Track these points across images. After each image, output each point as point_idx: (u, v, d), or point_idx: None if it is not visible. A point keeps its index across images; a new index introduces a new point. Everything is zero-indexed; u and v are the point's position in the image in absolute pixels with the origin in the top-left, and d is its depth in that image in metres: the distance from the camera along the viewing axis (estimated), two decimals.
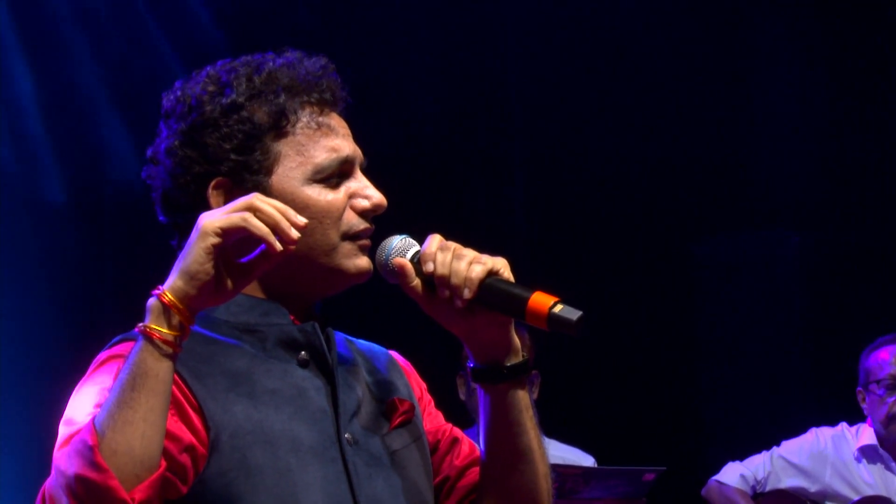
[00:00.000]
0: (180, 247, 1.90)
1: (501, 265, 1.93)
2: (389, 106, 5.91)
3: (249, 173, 1.92)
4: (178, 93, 1.97)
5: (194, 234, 1.76)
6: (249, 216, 1.75)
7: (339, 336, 2.04)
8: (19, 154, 5.47)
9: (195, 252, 1.74)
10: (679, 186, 6.49)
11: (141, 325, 1.74)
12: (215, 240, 1.74)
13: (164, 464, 1.72)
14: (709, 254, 6.52)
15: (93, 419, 1.71)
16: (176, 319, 1.74)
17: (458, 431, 2.12)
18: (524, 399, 2.00)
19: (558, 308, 1.88)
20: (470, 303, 1.91)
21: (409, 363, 2.14)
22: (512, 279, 1.93)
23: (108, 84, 5.59)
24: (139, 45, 5.67)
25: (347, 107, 2.03)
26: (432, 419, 2.11)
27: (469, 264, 1.91)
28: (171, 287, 1.74)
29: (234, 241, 1.76)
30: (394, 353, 2.13)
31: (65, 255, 5.49)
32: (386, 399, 2.01)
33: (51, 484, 1.72)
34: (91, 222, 5.59)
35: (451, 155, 6.43)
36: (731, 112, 6.55)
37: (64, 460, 1.70)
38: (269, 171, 1.93)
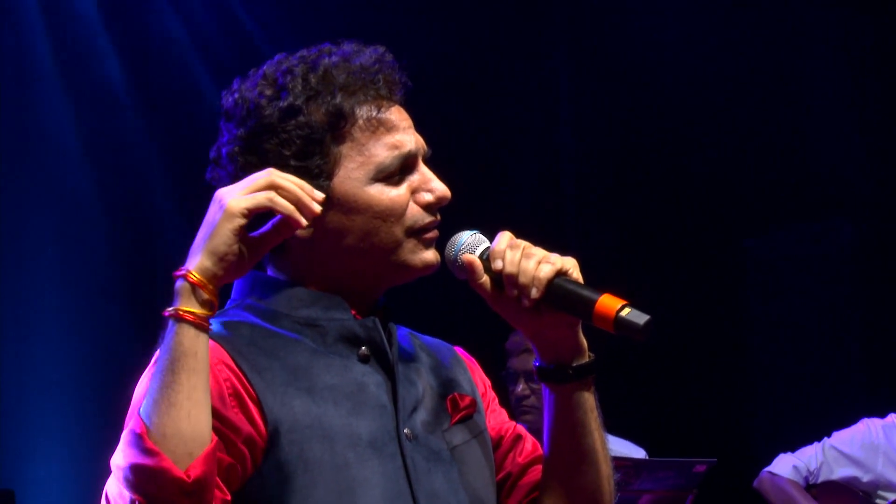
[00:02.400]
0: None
1: (571, 265, 1.92)
2: (445, 101, 5.95)
3: (310, 178, 1.89)
4: (237, 95, 1.95)
5: (217, 213, 1.76)
6: (274, 195, 1.77)
7: (403, 331, 2.04)
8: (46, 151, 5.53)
9: (223, 233, 1.75)
10: (730, 180, 6.48)
11: (171, 308, 1.75)
12: (242, 221, 1.76)
13: (214, 438, 1.73)
14: (761, 247, 6.50)
15: (139, 410, 1.72)
16: (206, 298, 1.75)
17: (521, 429, 2.11)
18: (590, 400, 1.99)
19: (626, 311, 1.87)
20: (537, 302, 1.90)
21: (473, 359, 2.14)
22: (581, 280, 1.92)
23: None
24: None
25: (408, 92, 1.99)
26: (496, 416, 2.10)
27: (538, 264, 1.90)
28: (198, 268, 1.75)
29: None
30: (458, 349, 2.13)
31: (116, 251, 5.54)
32: (447, 394, 2.00)
33: (109, 481, 1.73)
34: (143, 217, 5.64)
35: (502, 148, 6.45)
36: (782, 104, 6.52)
37: (118, 456, 1.72)
38: (330, 175, 1.91)
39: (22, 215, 5.39)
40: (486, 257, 1.94)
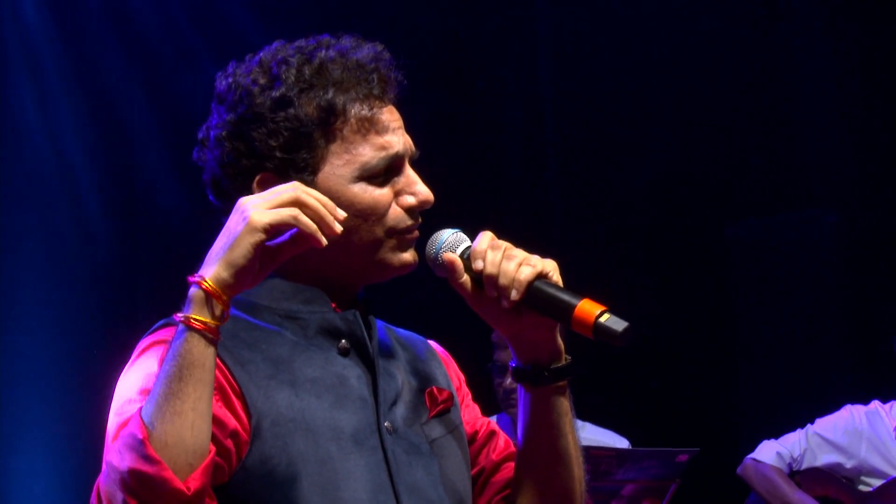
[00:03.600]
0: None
1: (551, 268, 1.92)
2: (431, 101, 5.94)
3: (295, 171, 1.89)
4: (230, 79, 1.95)
5: (239, 224, 1.75)
6: (299, 213, 1.75)
7: (379, 323, 2.04)
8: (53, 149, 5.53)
9: (243, 246, 1.74)
10: (713, 169, 6.48)
11: (182, 314, 1.73)
12: (264, 236, 1.74)
13: (213, 449, 1.73)
14: (743, 236, 6.51)
15: (139, 411, 1.71)
16: (218, 308, 1.73)
17: (494, 425, 2.12)
18: (565, 403, 2.00)
19: (605, 318, 1.87)
20: (517, 304, 1.90)
21: (447, 353, 2.14)
22: (561, 283, 1.92)
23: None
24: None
25: (403, 91, 1.98)
26: (470, 411, 2.10)
27: (518, 265, 1.90)
28: (214, 277, 1.74)
29: None
30: (433, 343, 2.13)
31: (97, 246, 5.54)
32: (425, 388, 2.01)
33: (104, 480, 1.72)
34: (124, 211, 5.64)
35: (484, 139, 6.45)
36: (765, 94, 6.52)
37: (115, 455, 1.70)
38: (315, 169, 1.91)
39: (4, 210, 5.37)
40: (466, 256, 1.94)
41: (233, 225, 1.76)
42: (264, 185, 1.89)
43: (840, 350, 6.22)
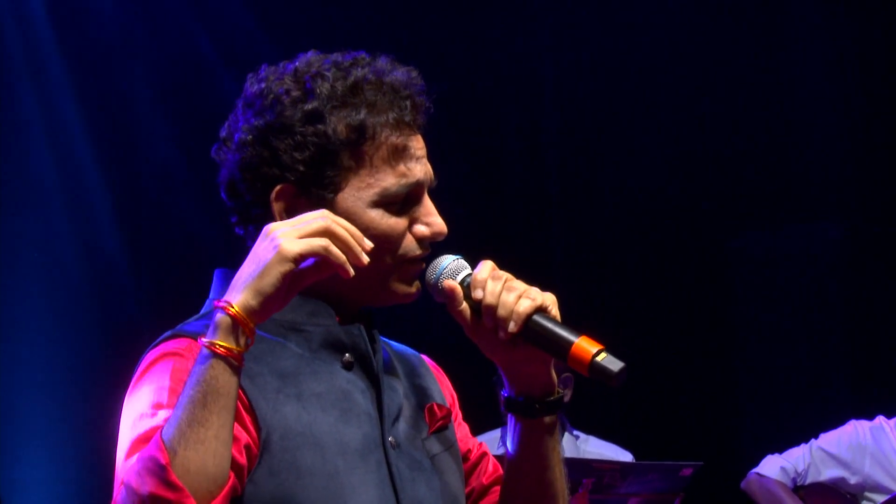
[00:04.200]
0: (247, 236, 1.92)
1: (550, 302, 1.91)
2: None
3: (316, 187, 1.88)
4: (262, 84, 1.92)
5: (269, 252, 1.73)
6: (330, 244, 1.74)
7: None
8: (58, 157, 5.53)
9: (273, 275, 1.72)
10: (715, 181, 6.49)
11: (208, 340, 1.72)
12: (294, 266, 1.73)
13: (232, 476, 1.72)
14: (745, 249, 6.51)
15: (160, 435, 1.70)
16: (244, 336, 1.72)
17: (485, 447, 2.13)
18: (554, 435, 1.99)
19: (601, 357, 1.85)
20: (514, 336, 1.89)
21: (440, 368, 2.13)
22: (559, 318, 1.91)
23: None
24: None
25: (431, 119, 1.96)
26: (461, 429, 2.10)
27: (518, 298, 1.88)
28: (242, 304, 1.72)
29: None
30: (425, 358, 2.12)
31: (100, 255, 5.54)
32: (424, 404, 2.00)
33: (122, 501, 1.70)
34: (127, 220, 5.64)
35: (485, 151, 6.45)
36: (767, 106, 6.53)
37: (134, 478, 1.69)
38: (336, 188, 1.89)
39: (7, 218, 5.37)
40: (466, 284, 1.93)
41: (262, 252, 1.74)
42: (283, 197, 1.89)
43: (843, 363, 6.22)
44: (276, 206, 1.89)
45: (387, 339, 2.08)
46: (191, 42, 5.74)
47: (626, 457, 4.96)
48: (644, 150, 6.54)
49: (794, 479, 4.94)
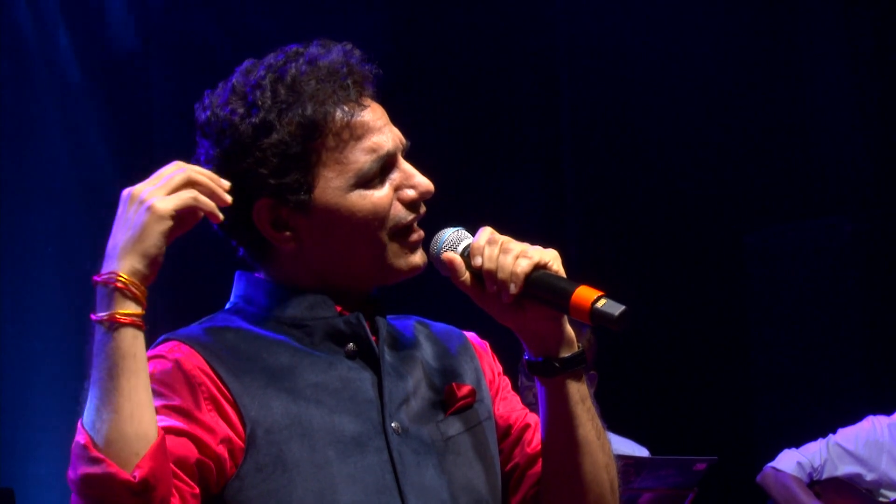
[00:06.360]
0: (249, 256, 1.95)
1: (551, 257, 1.90)
2: (439, 92, 5.94)
3: (290, 193, 1.89)
4: (209, 112, 1.93)
5: (142, 214, 1.75)
6: (197, 195, 1.77)
7: (409, 321, 2.05)
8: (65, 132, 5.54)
9: (153, 234, 1.74)
10: (731, 177, 6.48)
11: (102, 314, 1.74)
12: (171, 223, 1.75)
13: (160, 433, 1.72)
14: (761, 244, 6.50)
15: (80, 421, 1.74)
16: (139, 299, 1.74)
17: (532, 418, 2.09)
18: (580, 391, 1.97)
19: (601, 303, 1.84)
20: (518, 297, 1.89)
21: (486, 344, 2.12)
22: (561, 272, 1.90)
23: None
24: None
25: (380, 83, 1.96)
26: (506, 404, 2.08)
27: (515, 258, 1.88)
28: (128, 270, 1.74)
29: None
30: (470, 335, 2.11)
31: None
32: (445, 385, 1.99)
33: (73, 498, 1.75)
34: None
35: (500, 139, 6.45)
36: (784, 101, 6.52)
37: (70, 470, 1.73)
38: (310, 187, 1.89)
39: (22, 212, 5.38)
40: (467, 254, 1.93)
41: (134, 216, 1.76)
42: (263, 213, 1.90)
43: (858, 358, 6.20)
44: (261, 224, 1.91)
45: (428, 321, 2.08)
46: (207, 43, 5.74)
47: (642, 452, 4.94)
48: (660, 145, 6.53)
49: (810, 475, 4.92)
